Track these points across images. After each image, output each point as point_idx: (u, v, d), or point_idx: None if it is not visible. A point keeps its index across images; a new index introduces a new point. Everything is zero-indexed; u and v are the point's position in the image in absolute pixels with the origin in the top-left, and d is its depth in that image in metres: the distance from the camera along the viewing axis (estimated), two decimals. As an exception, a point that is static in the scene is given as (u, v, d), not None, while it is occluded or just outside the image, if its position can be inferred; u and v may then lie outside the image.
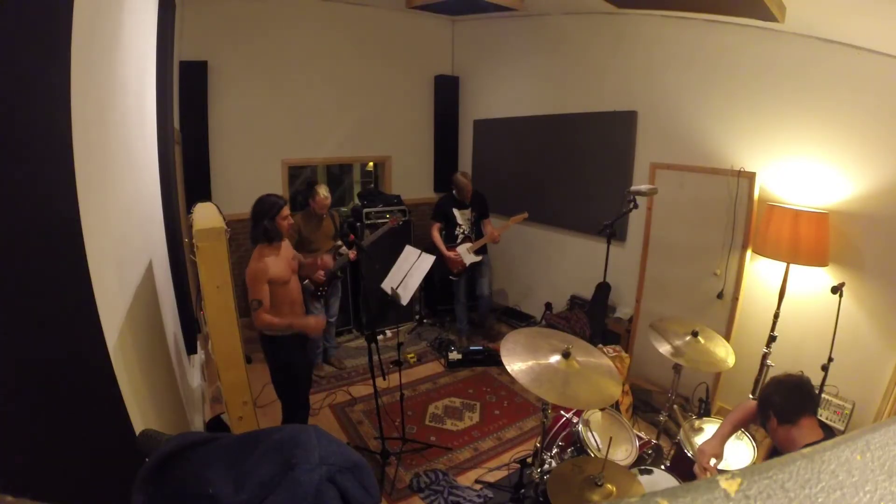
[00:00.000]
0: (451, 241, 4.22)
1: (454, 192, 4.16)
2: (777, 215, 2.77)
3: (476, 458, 3.03)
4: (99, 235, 1.17)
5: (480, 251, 4.23)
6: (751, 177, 3.07)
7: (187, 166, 4.09)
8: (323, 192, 3.56)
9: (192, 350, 2.95)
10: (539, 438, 2.21)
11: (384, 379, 3.23)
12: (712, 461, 1.86)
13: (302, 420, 2.88)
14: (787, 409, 1.63)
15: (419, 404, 3.60)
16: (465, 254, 4.18)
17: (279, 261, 2.54)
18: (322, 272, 3.57)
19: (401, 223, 4.18)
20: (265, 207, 2.48)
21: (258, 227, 2.48)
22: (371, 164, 5.82)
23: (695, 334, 2.33)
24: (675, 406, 2.42)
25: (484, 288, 4.39)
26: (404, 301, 2.91)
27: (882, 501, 0.26)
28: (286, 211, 2.54)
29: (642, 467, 2.08)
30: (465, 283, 4.34)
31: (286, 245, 2.65)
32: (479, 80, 5.36)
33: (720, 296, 3.27)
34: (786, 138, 2.94)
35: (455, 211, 4.18)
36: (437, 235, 4.20)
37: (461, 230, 4.21)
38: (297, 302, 2.71)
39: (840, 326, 2.53)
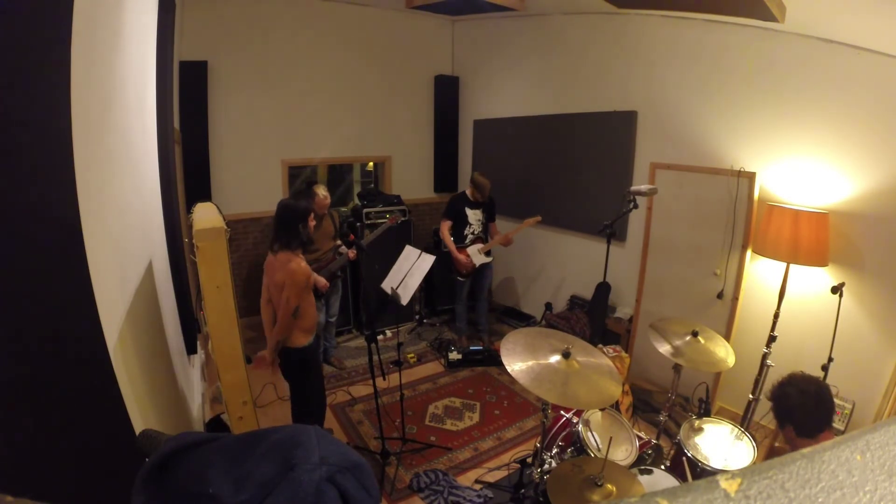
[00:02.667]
0: (459, 240, 4.20)
1: (468, 191, 4.13)
2: (777, 215, 2.77)
3: (476, 458, 3.03)
4: (99, 236, 1.17)
5: (488, 253, 4.23)
6: (751, 177, 3.07)
7: (187, 166, 4.08)
8: (322, 192, 3.56)
9: (192, 350, 2.95)
10: (539, 438, 2.21)
11: (384, 379, 3.23)
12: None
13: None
14: (808, 425, 1.60)
15: (419, 404, 3.60)
16: (476, 255, 4.18)
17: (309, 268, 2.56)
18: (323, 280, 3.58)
19: (399, 222, 4.18)
20: (298, 213, 2.48)
21: (292, 232, 2.46)
22: (371, 164, 5.81)
23: (695, 334, 2.33)
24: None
25: (485, 289, 4.40)
26: (404, 301, 2.91)
27: (882, 501, 0.26)
28: (312, 214, 2.58)
29: (642, 467, 2.08)
30: (468, 283, 4.34)
31: None
32: (479, 80, 5.36)
33: (720, 296, 3.27)
34: (786, 138, 2.94)
35: (468, 210, 4.17)
36: (446, 233, 4.18)
37: (471, 230, 4.20)
38: (314, 303, 2.72)
39: (840, 326, 2.53)
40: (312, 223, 2.57)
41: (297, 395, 2.80)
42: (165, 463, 0.56)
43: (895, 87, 2.49)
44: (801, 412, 1.60)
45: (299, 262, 2.44)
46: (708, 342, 2.34)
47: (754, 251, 3.06)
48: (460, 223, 4.18)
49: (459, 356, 4.16)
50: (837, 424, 2.65)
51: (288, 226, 2.47)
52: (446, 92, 5.51)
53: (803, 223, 2.65)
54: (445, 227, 4.19)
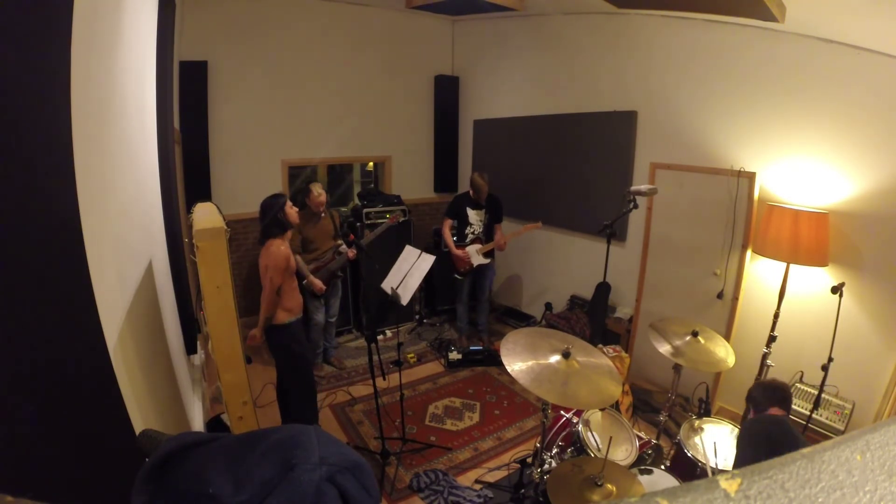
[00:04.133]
0: (460, 239, 4.23)
1: (470, 191, 4.16)
2: (777, 215, 2.77)
3: (476, 458, 3.03)
4: (99, 235, 1.17)
5: (488, 254, 4.24)
6: (751, 177, 3.07)
7: (187, 166, 4.08)
8: (317, 189, 3.57)
9: (192, 350, 2.95)
10: (539, 438, 2.21)
11: (384, 379, 3.23)
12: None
13: (313, 409, 3.07)
14: (760, 401, 1.97)
15: (419, 404, 3.60)
16: (475, 255, 4.19)
17: (290, 252, 2.73)
18: (320, 282, 3.59)
19: (400, 221, 4.18)
20: (273, 203, 2.67)
21: (271, 220, 2.65)
22: (371, 164, 5.82)
23: (695, 334, 2.33)
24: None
25: (487, 289, 4.40)
26: (404, 301, 2.91)
27: (882, 501, 0.26)
28: (289, 202, 2.74)
29: (642, 467, 2.08)
30: (469, 283, 4.35)
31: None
32: (479, 80, 5.36)
33: (720, 296, 3.27)
34: (786, 138, 2.94)
35: (469, 210, 4.18)
36: (447, 232, 4.21)
37: (472, 230, 4.22)
38: (297, 286, 2.89)
39: (840, 326, 2.53)
40: (293, 209, 2.74)
41: (283, 375, 2.93)
42: (165, 463, 0.56)
43: (895, 87, 2.49)
44: (756, 391, 2.02)
45: (279, 246, 2.64)
46: (708, 342, 2.34)
47: (754, 251, 3.06)
48: (462, 223, 4.22)
49: (459, 356, 4.16)
50: (837, 424, 2.65)
51: (267, 217, 2.66)
52: (446, 92, 5.51)
53: (803, 223, 2.65)
54: (446, 226, 4.22)
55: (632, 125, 3.80)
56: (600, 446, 2.16)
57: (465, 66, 5.52)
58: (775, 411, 1.91)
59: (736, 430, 2.20)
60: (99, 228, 1.19)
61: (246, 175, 4.56)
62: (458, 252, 4.15)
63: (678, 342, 2.32)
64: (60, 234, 0.88)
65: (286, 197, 2.74)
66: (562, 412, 2.51)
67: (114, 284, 1.34)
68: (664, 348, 2.31)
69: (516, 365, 1.88)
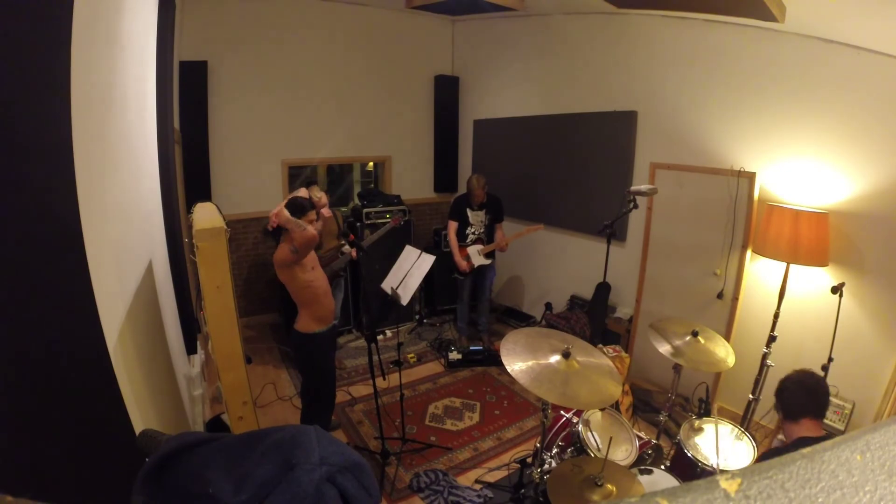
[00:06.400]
0: (461, 240, 4.25)
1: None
2: (777, 215, 2.77)
3: (476, 458, 3.03)
4: (99, 235, 1.17)
5: (489, 255, 4.24)
6: (751, 177, 3.07)
7: (187, 166, 4.09)
8: (316, 193, 3.57)
9: (192, 350, 2.95)
10: (539, 438, 2.21)
11: (384, 379, 3.23)
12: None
13: (327, 418, 3.06)
14: (792, 407, 1.74)
15: (419, 404, 3.60)
16: (475, 255, 4.20)
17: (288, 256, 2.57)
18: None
19: (402, 223, 4.19)
20: (294, 209, 2.53)
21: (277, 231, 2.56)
22: (371, 164, 5.82)
23: (695, 334, 2.33)
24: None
25: (487, 289, 4.41)
26: (404, 301, 2.91)
27: (882, 501, 0.26)
28: (312, 215, 2.57)
29: (642, 467, 2.08)
30: (469, 283, 4.36)
31: None
32: (479, 80, 5.36)
33: (720, 296, 3.27)
34: (786, 138, 2.94)
35: (469, 211, 4.20)
36: (452, 234, 4.23)
37: (472, 230, 4.23)
38: (328, 291, 2.74)
39: (840, 326, 2.53)
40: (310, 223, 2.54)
41: (307, 385, 2.89)
42: (165, 463, 0.56)
43: (895, 87, 2.49)
44: (788, 392, 1.77)
45: (281, 248, 2.51)
46: (708, 342, 2.34)
47: (754, 251, 3.06)
48: (463, 223, 4.24)
49: (459, 356, 4.16)
50: (837, 424, 2.65)
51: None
52: (446, 92, 5.51)
53: (803, 223, 2.65)
54: (452, 229, 4.23)
55: (632, 125, 3.80)
56: (600, 446, 2.16)
57: (465, 66, 5.52)
58: (808, 424, 1.69)
59: (736, 430, 2.20)
60: (99, 228, 1.19)
61: (246, 175, 4.57)
62: (462, 262, 4.16)
63: (678, 342, 2.32)
64: (60, 234, 0.88)
65: (311, 209, 2.56)
66: (562, 412, 2.51)
67: (114, 285, 1.34)
68: (664, 348, 2.31)
69: (516, 365, 1.88)
